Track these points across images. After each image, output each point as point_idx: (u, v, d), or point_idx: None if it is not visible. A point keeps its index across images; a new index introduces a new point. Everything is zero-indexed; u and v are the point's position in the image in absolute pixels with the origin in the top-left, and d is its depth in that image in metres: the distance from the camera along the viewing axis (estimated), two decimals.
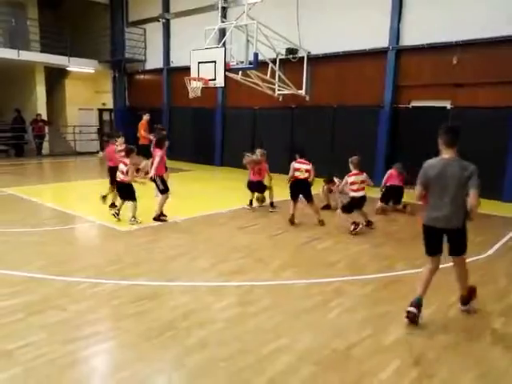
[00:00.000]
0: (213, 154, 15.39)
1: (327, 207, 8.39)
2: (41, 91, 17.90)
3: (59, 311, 3.82)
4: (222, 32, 11.88)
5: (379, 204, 8.29)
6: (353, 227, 6.61)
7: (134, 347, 3.30)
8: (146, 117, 11.30)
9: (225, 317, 3.80)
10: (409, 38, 10.57)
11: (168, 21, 16.31)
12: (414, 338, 3.53)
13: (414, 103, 10.84)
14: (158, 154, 7.17)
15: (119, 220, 7.00)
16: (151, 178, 7.14)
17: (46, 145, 18.09)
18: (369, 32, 11.07)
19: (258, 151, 8.41)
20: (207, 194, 10.11)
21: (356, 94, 11.58)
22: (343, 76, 11.84)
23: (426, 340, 3.50)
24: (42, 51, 17.13)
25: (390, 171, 8.57)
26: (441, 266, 3.92)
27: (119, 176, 6.90)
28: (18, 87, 18.19)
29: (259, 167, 8.16)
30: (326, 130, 12.17)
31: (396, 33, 10.64)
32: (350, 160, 6.95)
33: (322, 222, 7.13)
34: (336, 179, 8.31)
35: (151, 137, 10.45)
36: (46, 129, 17.89)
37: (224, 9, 11.92)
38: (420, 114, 10.58)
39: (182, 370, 3.05)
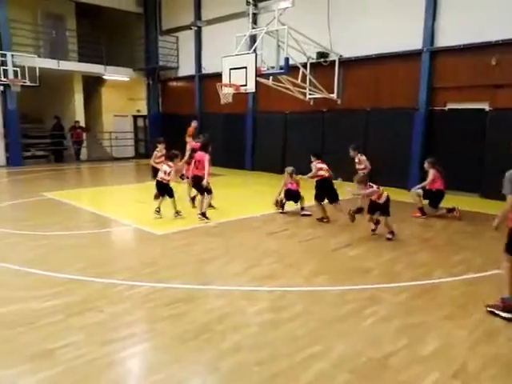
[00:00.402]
0: (244, 158, 15.49)
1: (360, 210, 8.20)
2: (79, 99, 18.58)
3: (97, 312, 3.93)
4: (253, 38, 11.97)
5: (440, 211, 8.09)
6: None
7: (169, 350, 3.36)
8: (193, 123, 11.97)
9: (258, 321, 3.81)
10: (444, 39, 10.31)
11: (200, 28, 16.60)
12: (453, 348, 3.42)
13: (450, 105, 10.55)
14: (207, 158, 7.47)
15: (160, 217, 7.52)
16: (204, 182, 7.47)
17: (83, 150, 18.75)
18: (402, 34, 10.88)
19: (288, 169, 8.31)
20: (239, 198, 10.17)
21: (389, 96, 11.40)
22: (376, 78, 11.69)
23: (467, 351, 3.38)
24: (79, 61, 17.78)
25: (433, 172, 8.03)
26: (472, 275, 3.79)
27: (161, 175, 7.59)
28: (57, 95, 18.95)
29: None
30: (358, 134, 12.01)
31: (430, 34, 10.40)
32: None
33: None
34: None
35: (193, 142, 11.10)
36: (84, 135, 18.55)
37: (254, 15, 12.00)
38: (456, 116, 10.29)
39: (216, 374, 3.07)
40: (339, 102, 12.43)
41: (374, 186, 6.65)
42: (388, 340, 3.53)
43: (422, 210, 8.10)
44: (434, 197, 8.07)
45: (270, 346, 3.40)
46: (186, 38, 17.23)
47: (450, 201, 8.30)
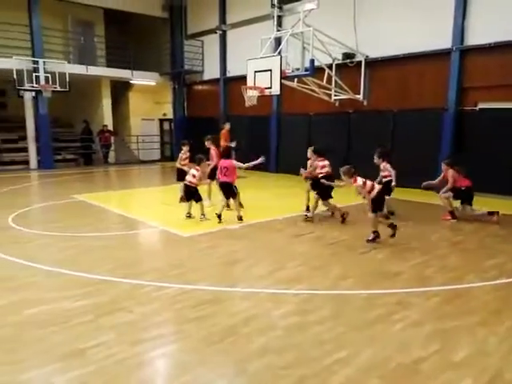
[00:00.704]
0: (268, 160, 15.47)
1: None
2: (107, 103, 19.02)
3: (126, 313, 4.00)
4: (278, 40, 11.97)
5: (477, 212, 7.84)
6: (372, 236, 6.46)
7: (196, 351, 3.38)
8: (227, 126, 12.13)
9: (284, 324, 3.79)
10: (474, 38, 10.05)
11: (224, 32, 16.74)
12: (487, 355, 3.32)
13: (482, 105, 10.26)
14: (235, 164, 7.74)
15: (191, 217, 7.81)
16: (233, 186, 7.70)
17: (111, 154, 19.17)
18: (430, 33, 10.68)
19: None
20: (263, 200, 10.18)
21: (417, 97, 11.19)
22: (403, 79, 11.50)
23: (501, 358, 3.27)
24: (107, 66, 18.24)
25: (452, 173, 7.83)
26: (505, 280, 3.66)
27: (189, 179, 7.63)
28: (86, 100, 19.47)
29: None
30: (385, 135, 11.84)
31: (460, 32, 10.16)
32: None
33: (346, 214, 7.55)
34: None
35: (232, 145, 11.44)
36: (112, 139, 18.96)
37: (279, 17, 12.01)
38: (488, 116, 10.01)
39: (243, 376, 3.07)
40: (365, 103, 12.28)
41: (360, 180, 6.37)
42: (418, 345, 3.45)
43: (452, 213, 7.91)
44: (465, 195, 7.83)
45: (297, 350, 3.38)
46: (211, 42, 17.40)
47: (481, 203, 8.07)
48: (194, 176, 7.64)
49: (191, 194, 7.73)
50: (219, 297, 4.41)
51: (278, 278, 4.93)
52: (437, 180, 8.09)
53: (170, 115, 20.22)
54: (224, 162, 7.68)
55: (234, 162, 7.71)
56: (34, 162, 16.60)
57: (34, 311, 4.03)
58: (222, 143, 12.27)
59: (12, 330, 3.66)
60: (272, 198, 10.57)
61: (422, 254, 5.86)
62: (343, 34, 11.90)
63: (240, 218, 7.59)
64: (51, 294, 4.47)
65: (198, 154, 8.03)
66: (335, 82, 12.00)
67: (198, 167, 7.75)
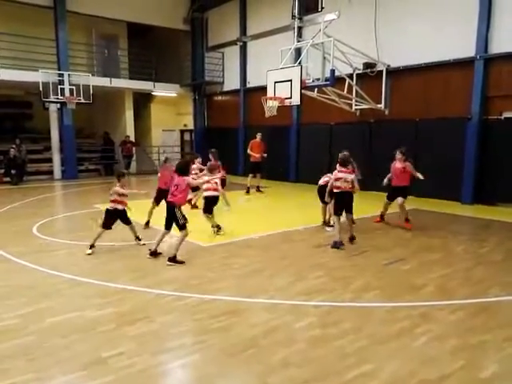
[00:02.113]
0: (288, 170, 15.48)
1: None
2: (129, 115, 19.40)
3: (148, 322, 4.03)
4: (298, 51, 12.03)
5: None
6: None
7: (217, 362, 3.37)
8: (258, 136, 12.34)
9: (306, 337, 3.75)
10: (498, 46, 9.87)
11: (245, 43, 16.92)
12: None
13: (507, 114, 10.04)
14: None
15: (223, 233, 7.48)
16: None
17: (133, 164, 19.47)
18: (452, 41, 10.55)
19: None
20: (283, 210, 10.15)
21: (440, 106, 11.03)
22: (426, 88, 11.36)
23: None
24: (130, 78, 18.62)
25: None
26: None
27: (208, 191, 7.33)
28: (109, 111, 19.92)
29: None
30: (407, 144, 11.65)
31: (484, 41, 9.99)
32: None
33: (352, 238, 6.89)
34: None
35: (265, 155, 11.90)
36: (134, 149, 19.28)
37: (300, 28, 12.07)
38: None
39: None
40: (387, 112, 12.18)
41: (330, 175, 6.42)
42: (443, 360, 3.36)
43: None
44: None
45: (319, 363, 3.33)
46: (232, 53, 17.61)
47: (506, 214, 7.87)
48: (216, 188, 7.30)
49: (211, 205, 7.45)
50: (239, 307, 4.40)
51: (299, 290, 4.89)
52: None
53: (191, 126, 20.46)
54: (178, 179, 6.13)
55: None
56: (57, 172, 16.99)
57: (58, 319, 4.10)
58: (254, 154, 12.42)
59: (36, 338, 3.72)
60: (292, 208, 10.52)
61: (446, 266, 5.73)
62: (364, 43, 11.87)
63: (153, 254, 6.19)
64: (74, 302, 4.54)
65: (211, 163, 7.98)
66: (356, 91, 11.95)
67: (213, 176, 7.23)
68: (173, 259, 5.83)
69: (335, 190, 6.66)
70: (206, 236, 7.29)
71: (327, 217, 8.05)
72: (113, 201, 6.58)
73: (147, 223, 8.14)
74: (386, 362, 3.34)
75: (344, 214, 6.87)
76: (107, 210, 6.61)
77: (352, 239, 6.91)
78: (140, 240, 6.93)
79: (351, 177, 6.61)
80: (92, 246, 6.41)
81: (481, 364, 3.32)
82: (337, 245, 6.55)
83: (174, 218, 5.91)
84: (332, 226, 7.70)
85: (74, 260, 6.14)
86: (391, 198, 8.07)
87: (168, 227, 6.05)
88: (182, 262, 5.83)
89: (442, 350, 3.52)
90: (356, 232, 7.67)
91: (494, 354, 3.45)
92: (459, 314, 4.22)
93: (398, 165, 7.84)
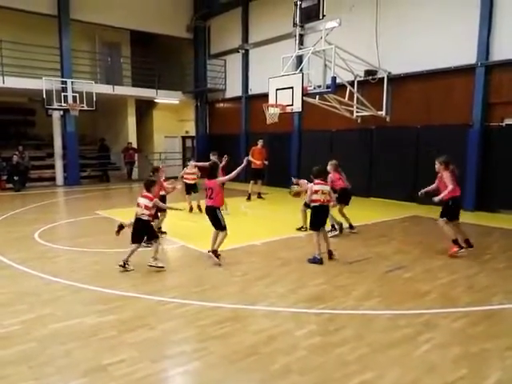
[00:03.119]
0: (289, 177, 15.46)
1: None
2: (132, 122, 19.49)
3: (148, 329, 4.02)
4: (299, 58, 12.09)
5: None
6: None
7: (218, 369, 3.35)
8: (260, 143, 12.43)
9: (306, 345, 3.73)
10: (500, 53, 9.90)
11: (247, 51, 17.02)
12: None
13: (508, 121, 10.06)
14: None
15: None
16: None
17: (135, 170, 19.52)
18: (453, 49, 10.60)
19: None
20: (284, 217, 10.13)
21: (441, 113, 11.06)
22: (427, 95, 11.40)
23: None
24: (133, 85, 18.73)
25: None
26: None
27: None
28: (112, 118, 20.01)
29: None
30: (409, 151, 11.71)
31: (485, 48, 10.03)
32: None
33: (331, 253, 6.35)
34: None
35: (266, 162, 12.39)
36: (136, 156, 19.34)
37: (301, 36, 12.15)
38: None
39: None
40: (388, 119, 12.21)
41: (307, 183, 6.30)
42: (445, 369, 3.34)
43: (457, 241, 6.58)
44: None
45: (320, 371, 3.32)
46: (234, 61, 17.71)
47: (509, 222, 7.83)
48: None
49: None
50: (240, 315, 4.39)
51: (300, 297, 4.87)
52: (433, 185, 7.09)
53: (193, 133, 20.54)
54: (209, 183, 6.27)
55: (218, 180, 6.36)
56: (60, 179, 17.03)
57: (59, 326, 4.09)
58: (255, 161, 12.44)
59: (37, 345, 3.71)
60: (294, 215, 10.49)
61: (448, 274, 5.71)
62: (365, 51, 11.93)
63: (214, 253, 6.23)
64: (76, 309, 4.53)
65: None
66: (357, 98, 12.00)
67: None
68: (215, 252, 6.19)
69: (313, 204, 6.30)
70: (208, 242, 7.26)
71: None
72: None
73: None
74: (388, 370, 3.32)
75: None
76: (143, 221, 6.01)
77: (330, 254, 6.39)
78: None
79: (328, 188, 6.35)
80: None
81: (484, 373, 3.30)
82: (316, 261, 6.14)
83: (216, 220, 6.14)
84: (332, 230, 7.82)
85: (75, 266, 6.14)
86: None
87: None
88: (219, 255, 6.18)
89: (444, 359, 3.49)
90: (358, 239, 7.68)
91: (497, 363, 3.43)
92: (462, 322, 4.19)
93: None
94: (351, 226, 8.12)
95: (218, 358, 3.51)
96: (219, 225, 6.13)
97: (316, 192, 6.21)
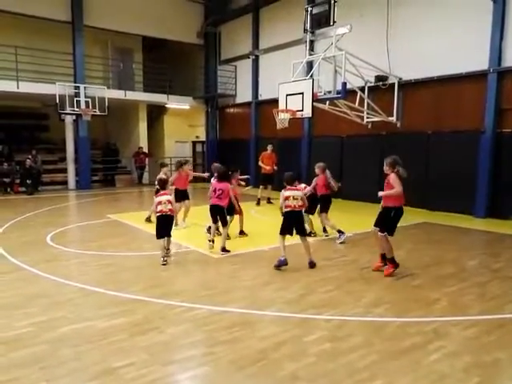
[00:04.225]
0: (299, 182, 15.46)
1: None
2: (143, 127, 19.69)
3: (158, 333, 4.04)
4: (310, 64, 12.12)
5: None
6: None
7: (227, 375, 3.36)
8: (269, 148, 12.46)
9: (315, 351, 3.72)
10: None
11: (257, 57, 17.11)
12: None
13: None
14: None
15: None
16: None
17: (146, 175, 19.67)
18: (465, 54, 10.54)
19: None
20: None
21: (452, 119, 10.98)
22: (438, 101, 11.33)
23: None
24: (144, 91, 18.94)
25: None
26: None
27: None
28: (124, 123, 20.22)
29: None
30: (419, 157, 11.64)
31: (497, 53, 9.96)
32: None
33: (312, 264, 6.23)
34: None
35: (275, 167, 11.76)
36: (147, 160, 19.50)
37: (312, 42, 12.17)
38: None
39: None
40: (399, 125, 12.15)
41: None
42: (456, 378, 3.30)
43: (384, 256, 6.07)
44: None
45: (329, 378, 3.30)
46: (244, 67, 17.81)
47: None
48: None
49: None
50: (249, 320, 4.39)
51: (309, 303, 4.86)
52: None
53: (203, 138, 20.66)
54: (218, 184, 7.07)
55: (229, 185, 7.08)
56: (72, 183, 17.24)
57: (70, 329, 4.14)
58: (264, 166, 12.49)
59: (48, 347, 3.76)
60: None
61: (459, 281, 5.65)
62: (376, 56, 11.92)
63: (224, 250, 6.93)
64: (86, 312, 4.58)
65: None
66: (367, 104, 11.97)
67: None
68: (224, 249, 6.96)
69: (285, 209, 6.26)
70: (217, 247, 7.29)
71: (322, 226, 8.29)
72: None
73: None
74: (398, 379, 3.30)
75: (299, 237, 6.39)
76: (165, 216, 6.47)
77: (312, 265, 6.24)
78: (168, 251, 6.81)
79: (299, 194, 6.31)
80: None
81: (496, 382, 3.26)
82: (281, 263, 6.09)
83: (222, 216, 7.04)
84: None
85: (86, 269, 6.20)
86: None
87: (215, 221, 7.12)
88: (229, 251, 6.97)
89: (455, 368, 3.46)
90: (366, 245, 7.63)
91: (509, 373, 3.39)
92: (473, 331, 4.15)
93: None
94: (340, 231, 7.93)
95: (227, 363, 3.52)
96: (225, 220, 7.08)
97: (287, 198, 6.20)
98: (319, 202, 7.99)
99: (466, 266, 6.40)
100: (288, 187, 6.32)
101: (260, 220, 10.54)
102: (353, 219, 10.31)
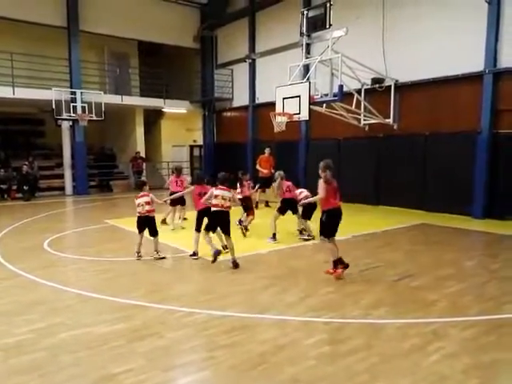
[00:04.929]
0: (296, 185, 15.46)
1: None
2: (140, 131, 19.66)
3: (157, 338, 4.03)
4: (306, 67, 12.16)
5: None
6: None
7: (227, 379, 3.35)
8: (267, 151, 12.43)
9: (315, 354, 3.72)
10: (508, 60, 9.86)
11: (254, 60, 17.15)
12: None
13: None
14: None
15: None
16: None
17: (143, 179, 19.61)
18: (461, 56, 10.59)
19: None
20: (291, 226, 10.10)
21: (449, 120, 11.03)
22: (435, 102, 11.38)
23: None
24: (141, 95, 18.93)
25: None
26: None
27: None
28: (120, 128, 20.17)
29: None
30: (417, 158, 11.68)
31: (493, 55, 10.01)
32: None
33: (235, 264, 6.36)
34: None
35: (273, 171, 11.90)
36: (144, 165, 19.47)
37: (308, 45, 12.22)
38: None
39: None
40: (396, 126, 12.20)
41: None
42: (456, 380, 3.31)
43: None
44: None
45: (329, 381, 3.30)
46: (240, 70, 17.84)
47: None
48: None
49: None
50: (249, 324, 4.39)
51: (309, 306, 4.86)
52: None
53: (200, 142, 20.67)
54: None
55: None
56: (69, 188, 17.18)
57: (69, 335, 4.12)
58: (262, 169, 12.48)
59: (47, 354, 3.74)
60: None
61: (458, 282, 5.66)
62: (372, 59, 11.96)
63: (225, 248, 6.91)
64: (85, 318, 4.56)
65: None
66: (364, 106, 12.01)
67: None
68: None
69: (213, 209, 6.34)
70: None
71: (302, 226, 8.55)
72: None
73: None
74: (398, 381, 3.30)
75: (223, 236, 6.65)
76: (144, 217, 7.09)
77: (235, 264, 6.35)
78: (158, 253, 7.02)
79: (229, 194, 6.35)
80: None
81: (494, 383, 3.26)
82: (215, 253, 6.40)
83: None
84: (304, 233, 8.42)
85: (84, 275, 6.19)
86: None
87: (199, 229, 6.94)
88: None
89: (454, 369, 3.46)
90: (366, 248, 7.64)
91: (508, 374, 3.40)
92: (472, 332, 4.15)
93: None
94: (274, 235, 8.13)
95: (227, 367, 3.51)
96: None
97: (216, 197, 6.31)
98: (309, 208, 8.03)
99: (464, 267, 6.41)
100: (219, 186, 6.42)
101: (258, 223, 10.53)
102: (350, 222, 10.31)
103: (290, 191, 8.37)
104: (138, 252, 7.00)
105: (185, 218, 9.96)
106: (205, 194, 6.65)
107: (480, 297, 5.14)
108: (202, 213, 6.86)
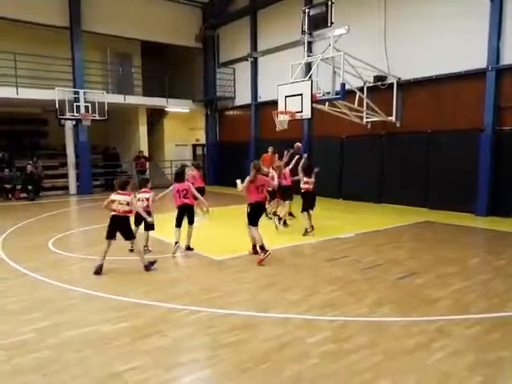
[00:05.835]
0: (299, 183, 15.47)
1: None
2: (143, 130, 19.72)
3: (161, 337, 4.04)
4: (308, 65, 12.14)
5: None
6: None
7: (230, 377, 3.35)
8: (270, 150, 12.45)
9: (319, 352, 3.71)
10: (511, 57, 9.83)
11: (256, 59, 17.14)
12: None
13: None
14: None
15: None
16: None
17: None
18: (464, 53, 10.55)
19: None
20: (295, 223, 10.11)
21: (452, 117, 11.00)
22: (437, 100, 11.35)
23: None
24: (144, 95, 18.98)
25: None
26: None
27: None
28: (124, 127, 20.25)
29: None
30: (419, 156, 11.65)
31: (495, 52, 9.98)
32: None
33: (147, 268, 6.29)
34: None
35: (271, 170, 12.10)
36: (147, 164, 19.52)
37: (310, 43, 12.21)
38: None
39: None
40: (398, 124, 12.17)
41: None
42: (460, 377, 3.30)
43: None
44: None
45: (333, 379, 3.30)
46: (243, 69, 17.84)
47: None
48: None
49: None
50: (252, 322, 4.39)
51: (312, 304, 4.86)
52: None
53: (203, 140, 20.69)
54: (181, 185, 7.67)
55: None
56: (73, 188, 17.24)
57: (73, 334, 4.13)
58: (266, 168, 12.46)
59: (51, 353, 3.76)
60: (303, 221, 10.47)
61: (462, 280, 5.64)
62: (374, 57, 11.94)
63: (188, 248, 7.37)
64: (89, 316, 4.58)
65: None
66: (367, 104, 11.98)
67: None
68: (189, 248, 7.40)
69: (112, 213, 6.41)
70: (219, 249, 7.30)
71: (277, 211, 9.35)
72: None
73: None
74: (402, 379, 3.29)
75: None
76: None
77: (146, 268, 6.34)
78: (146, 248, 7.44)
79: (127, 199, 6.36)
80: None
81: (499, 381, 3.26)
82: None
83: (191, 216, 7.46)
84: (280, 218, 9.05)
85: (88, 274, 6.19)
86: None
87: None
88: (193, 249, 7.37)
89: (458, 366, 3.45)
90: (370, 245, 7.63)
91: None
92: (476, 329, 4.14)
93: None
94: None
95: (230, 365, 3.51)
96: (192, 220, 7.45)
97: (113, 202, 6.39)
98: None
99: (468, 265, 6.39)
100: (118, 191, 6.43)
101: (261, 221, 10.52)
102: (353, 219, 10.32)
103: (285, 178, 9.30)
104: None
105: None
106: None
107: (484, 294, 5.12)
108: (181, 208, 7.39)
